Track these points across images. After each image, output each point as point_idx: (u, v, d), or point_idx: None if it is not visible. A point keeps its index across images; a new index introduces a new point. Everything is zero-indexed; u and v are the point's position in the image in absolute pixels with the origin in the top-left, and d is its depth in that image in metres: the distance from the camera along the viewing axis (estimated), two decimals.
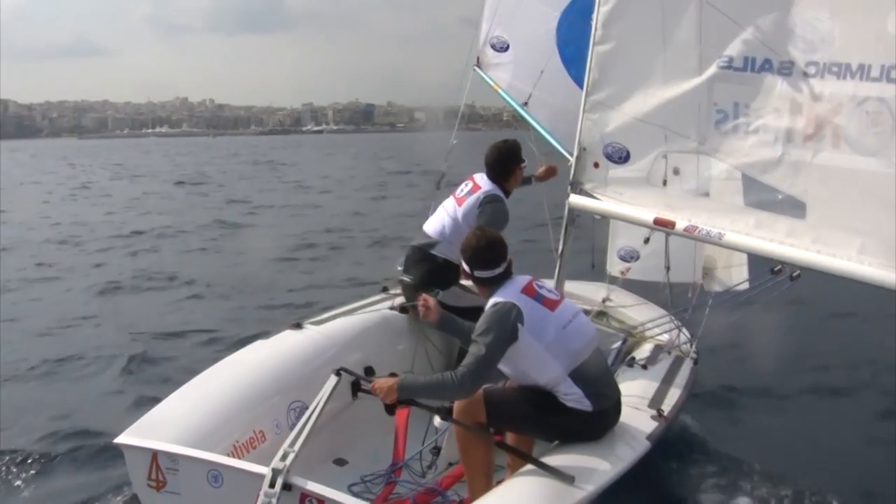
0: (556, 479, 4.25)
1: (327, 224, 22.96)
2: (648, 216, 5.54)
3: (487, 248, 4.78)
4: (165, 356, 9.99)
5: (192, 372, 5.64)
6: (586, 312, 6.75)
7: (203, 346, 10.41)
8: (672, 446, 6.01)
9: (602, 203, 5.85)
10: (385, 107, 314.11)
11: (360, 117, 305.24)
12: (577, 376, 4.61)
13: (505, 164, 6.50)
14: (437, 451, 5.19)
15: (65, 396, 8.58)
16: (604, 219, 6.07)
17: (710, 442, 6.54)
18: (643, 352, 6.16)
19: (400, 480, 5.25)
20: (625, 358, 6.06)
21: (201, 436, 4.76)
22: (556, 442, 4.78)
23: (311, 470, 5.22)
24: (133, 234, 21.44)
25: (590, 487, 4.25)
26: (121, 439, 4.63)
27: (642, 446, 4.77)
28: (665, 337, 6.35)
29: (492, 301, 4.69)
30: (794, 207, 4.82)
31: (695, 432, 6.62)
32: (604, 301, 7.24)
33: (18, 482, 6.46)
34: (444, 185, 7.26)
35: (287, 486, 4.17)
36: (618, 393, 4.87)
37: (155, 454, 4.48)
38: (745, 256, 6.53)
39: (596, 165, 5.84)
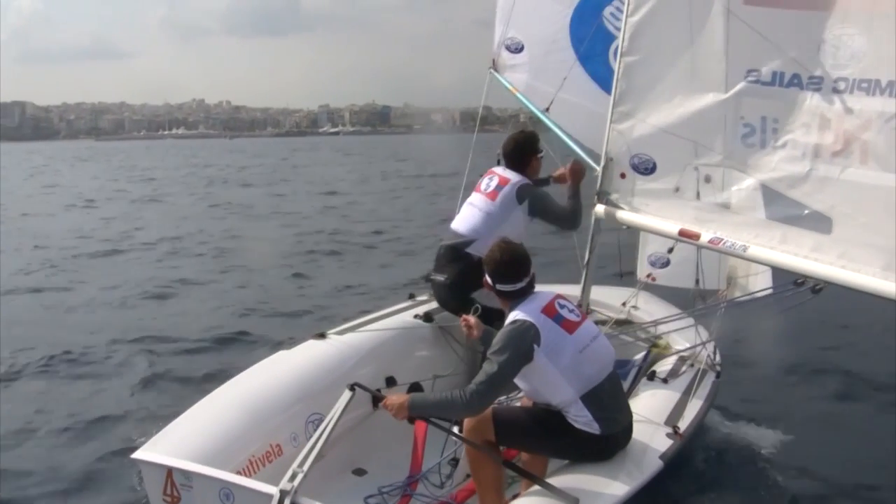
0: (563, 501, 4.28)
1: None
2: (673, 228, 5.56)
3: (511, 262, 4.79)
4: None
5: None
6: (609, 322, 6.79)
7: None
8: (688, 464, 6.00)
9: (628, 214, 5.88)
10: (401, 108, 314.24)
11: (377, 119, 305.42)
12: (589, 400, 4.62)
13: (522, 154, 6.52)
14: (455, 462, 5.18)
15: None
16: (630, 228, 6.05)
17: (730, 460, 6.48)
18: (666, 364, 6.12)
19: (416, 493, 5.26)
20: (647, 370, 6.02)
21: (217, 451, 4.84)
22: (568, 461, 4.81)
23: (329, 480, 5.29)
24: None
25: None
26: (138, 454, 4.73)
27: (655, 466, 4.75)
28: (687, 345, 6.31)
29: (511, 317, 4.70)
30: (820, 222, 4.81)
31: (713, 449, 6.56)
32: (630, 307, 7.19)
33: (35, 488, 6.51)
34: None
35: None
36: (629, 417, 4.86)
37: (170, 470, 4.56)
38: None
39: (623, 176, 5.87)
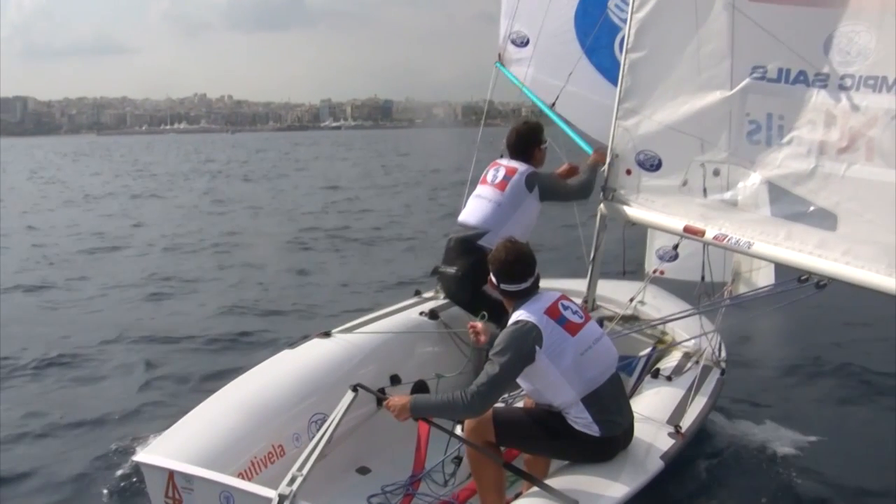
0: (563, 501, 4.27)
1: None
2: (678, 224, 5.57)
3: (515, 262, 4.76)
4: None
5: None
6: (615, 318, 6.77)
7: None
8: (689, 463, 5.99)
9: (633, 210, 5.89)
10: (403, 103, 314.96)
11: (379, 113, 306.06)
12: (590, 402, 4.60)
13: (526, 145, 6.48)
14: (458, 461, 5.18)
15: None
16: (636, 224, 6.03)
17: (732, 459, 6.45)
18: (670, 360, 6.09)
19: (418, 493, 5.27)
20: (652, 367, 6.00)
21: (218, 453, 4.85)
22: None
23: (332, 479, 5.30)
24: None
25: None
26: (140, 457, 4.76)
27: (656, 466, 4.73)
28: (693, 343, 6.27)
29: (514, 317, 4.69)
30: (825, 219, 4.81)
31: (716, 449, 6.53)
32: (637, 303, 7.14)
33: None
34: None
35: None
36: (630, 418, 4.85)
37: (171, 473, 4.57)
38: None
39: (628, 172, 5.88)
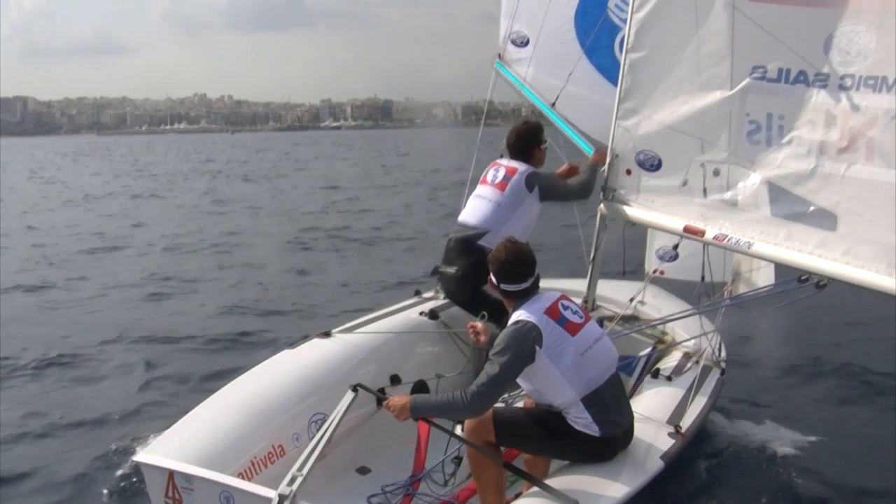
0: (562, 502, 4.27)
1: None
2: (678, 224, 5.58)
3: (515, 262, 4.75)
4: None
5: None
6: (615, 318, 6.77)
7: None
8: (690, 463, 5.99)
9: (633, 210, 5.90)
10: (403, 103, 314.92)
11: (379, 113, 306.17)
12: (590, 402, 4.60)
13: (526, 145, 6.47)
14: (458, 460, 5.18)
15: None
16: (636, 225, 6.04)
17: (732, 460, 6.44)
18: (670, 360, 6.09)
19: (418, 493, 5.28)
20: (652, 367, 6.00)
21: (218, 453, 4.85)
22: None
23: (332, 479, 5.30)
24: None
25: None
26: (140, 457, 4.76)
27: (656, 466, 4.73)
28: (693, 343, 6.27)
29: (514, 317, 4.69)
30: (825, 219, 4.82)
31: (716, 449, 6.52)
32: (636, 302, 7.12)
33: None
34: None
35: None
36: (630, 418, 4.85)
37: (171, 473, 4.57)
38: None
39: (628, 172, 5.89)
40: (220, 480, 4.43)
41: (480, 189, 6.42)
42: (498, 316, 5.32)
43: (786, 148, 4.96)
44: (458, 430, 4.94)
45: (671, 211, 5.66)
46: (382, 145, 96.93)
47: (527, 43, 7.74)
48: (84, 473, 6.57)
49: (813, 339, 9.42)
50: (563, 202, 6.72)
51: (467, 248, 6.20)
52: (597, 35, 7.14)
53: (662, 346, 6.35)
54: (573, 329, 4.64)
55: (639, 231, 6.68)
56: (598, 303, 6.94)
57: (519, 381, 4.69)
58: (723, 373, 5.97)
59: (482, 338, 5.21)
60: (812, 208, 4.88)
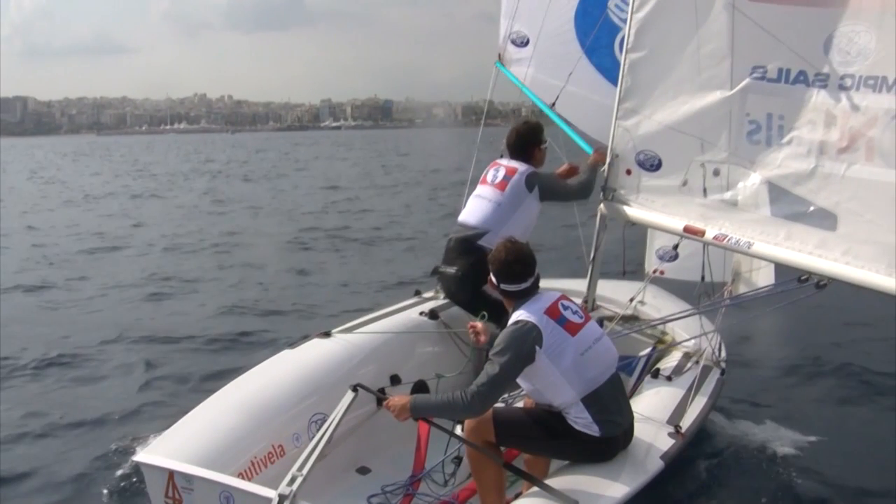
0: (562, 502, 4.27)
1: None
2: (678, 224, 5.58)
3: (516, 262, 4.75)
4: None
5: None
6: (615, 318, 6.76)
7: None
8: (690, 463, 5.98)
9: (633, 210, 5.90)
10: (403, 103, 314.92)
11: (379, 113, 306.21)
12: (590, 402, 4.60)
13: (525, 145, 6.47)
14: (458, 460, 5.18)
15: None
16: (636, 225, 6.04)
17: (732, 460, 6.43)
18: (670, 360, 6.09)
19: (418, 493, 5.28)
20: (652, 367, 5.99)
21: (219, 453, 4.85)
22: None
23: (332, 479, 5.31)
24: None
25: None
26: (140, 457, 4.76)
27: (656, 466, 4.73)
28: (693, 343, 6.26)
29: (514, 317, 4.69)
30: (825, 219, 4.82)
31: (716, 449, 6.51)
32: (636, 302, 7.11)
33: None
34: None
35: None
36: (630, 418, 4.85)
37: (171, 473, 4.57)
38: None
39: (628, 172, 5.89)
40: (220, 480, 4.43)
41: (480, 189, 6.42)
42: (498, 316, 5.31)
43: (786, 148, 4.96)
44: (458, 430, 4.94)
45: (671, 211, 5.66)
46: (382, 145, 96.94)
47: (527, 43, 7.74)
48: (84, 473, 6.56)
49: (813, 339, 9.42)
50: (563, 202, 6.71)
51: (467, 248, 6.20)
52: (597, 35, 7.15)
53: (662, 346, 6.35)
54: (573, 329, 4.64)
55: (639, 231, 6.67)
56: (599, 303, 6.94)
57: (519, 381, 4.69)
58: (723, 373, 5.97)
59: (482, 338, 5.21)
60: (812, 208, 4.87)
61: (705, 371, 5.86)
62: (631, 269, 7.19)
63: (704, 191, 5.44)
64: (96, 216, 26.35)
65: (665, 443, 4.93)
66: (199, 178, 45.16)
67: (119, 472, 6.31)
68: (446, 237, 6.53)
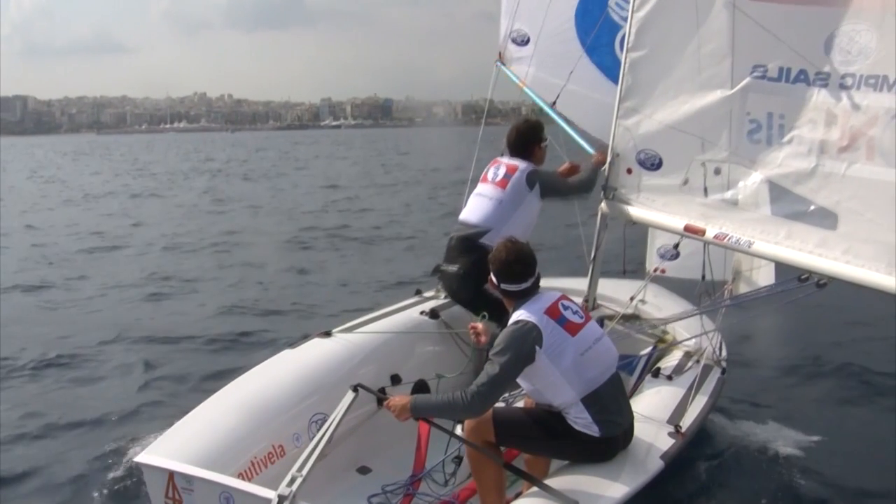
0: (562, 502, 4.27)
1: None
2: (679, 223, 5.58)
3: (516, 262, 4.75)
4: None
5: None
6: (616, 317, 6.75)
7: None
8: (690, 463, 5.97)
9: (634, 209, 5.90)
10: (403, 101, 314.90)
11: (379, 112, 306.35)
12: (590, 402, 4.60)
13: (526, 143, 6.46)
14: (458, 459, 5.18)
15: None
16: (636, 224, 6.03)
17: (732, 460, 6.42)
18: (671, 360, 6.08)
19: (418, 493, 5.28)
20: (653, 366, 5.99)
21: (219, 453, 4.86)
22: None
23: (333, 479, 5.31)
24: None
25: None
26: (140, 458, 4.74)
27: (655, 466, 4.73)
28: (693, 342, 6.25)
29: (514, 317, 4.69)
30: (825, 218, 4.81)
31: (716, 449, 6.51)
32: (638, 302, 7.08)
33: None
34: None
35: None
36: (630, 418, 4.85)
37: (171, 474, 4.57)
38: None
39: (629, 171, 5.89)
40: (220, 481, 4.43)
41: (481, 187, 6.41)
42: (499, 315, 5.30)
43: (786, 147, 4.96)
44: (459, 430, 4.94)
45: (672, 210, 5.65)
46: (382, 144, 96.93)
47: (527, 42, 7.73)
48: (83, 474, 6.54)
49: (813, 339, 9.42)
50: (564, 199, 6.72)
51: (469, 246, 6.18)
52: (597, 34, 7.14)
53: (663, 345, 6.35)
54: (573, 329, 4.64)
55: (640, 230, 6.66)
56: (599, 302, 6.92)
57: (519, 381, 4.69)
58: (723, 372, 5.96)
59: (482, 338, 5.21)
60: (812, 207, 4.87)
61: (706, 370, 5.86)
62: (632, 268, 7.20)
63: (705, 190, 5.43)
64: (96, 215, 26.35)
65: (665, 442, 4.92)
66: (198, 177, 45.16)
67: (118, 473, 6.30)
68: (447, 236, 6.51)
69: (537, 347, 4.52)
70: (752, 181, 5.16)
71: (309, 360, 5.93)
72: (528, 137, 6.49)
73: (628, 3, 5.77)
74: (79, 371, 9.47)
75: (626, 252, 6.92)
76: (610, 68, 6.86)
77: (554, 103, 7.43)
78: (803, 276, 5.35)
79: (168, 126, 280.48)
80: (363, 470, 5.83)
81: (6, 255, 18.11)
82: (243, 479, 4.81)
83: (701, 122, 5.36)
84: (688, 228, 5.52)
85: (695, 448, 5.86)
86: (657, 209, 5.77)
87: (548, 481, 4.48)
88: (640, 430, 4.91)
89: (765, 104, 5.05)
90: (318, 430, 4.95)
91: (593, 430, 4.59)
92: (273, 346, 9.04)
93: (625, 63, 5.74)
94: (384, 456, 5.83)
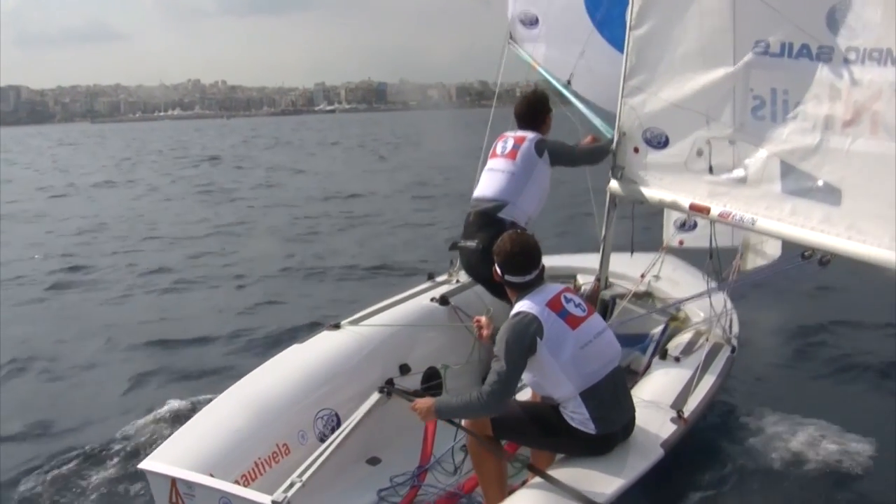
0: (563, 490, 4.33)
1: None
2: (685, 202, 5.59)
3: (521, 254, 4.79)
4: None
5: None
6: (628, 295, 6.69)
7: None
8: (692, 450, 5.85)
9: (642, 188, 5.91)
10: (397, 85, 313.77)
11: (373, 96, 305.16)
12: (588, 397, 4.62)
13: (536, 112, 6.48)
14: (466, 448, 5.22)
15: None
16: (644, 203, 6.03)
17: (735, 445, 6.40)
18: (681, 340, 6.07)
19: (424, 484, 5.35)
20: (665, 345, 5.99)
21: (221, 456, 4.92)
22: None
23: (343, 470, 5.36)
24: None
25: (599, 500, 4.31)
26: (144, 465, 4.79)
27: (655, 455, 4.76)
28: (705, 320, 6.23)
29: (516, 308, 4.73)
30: (829, 194, 4.80)
31: (720, 435, 6.50)
32: (651, 277, 7.06)
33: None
34: None
35: None
36: (630, 414, 4.87)
37: (174, 480, 4.63)
38: None
39: (636, 150, 5.90)
40: (219, 487, 4.50)
41: (492, 162, 6.39)
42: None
43: (791, 123, 4.94)
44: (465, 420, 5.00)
45: (678, 188, 5.67)
46: (377, 128, 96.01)
47: (536, 22, 7.70)
48: (82, 474, 6.49)
49: (821, 325, 9.38)
50: (572, 166, 6.58)
51: (487, 221, 6.17)
52: (607, 7, 7.08)
53: (676, 322, 6.36)
54: (574, 322, 4.67)
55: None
56: (612, 280, 6.89)
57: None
58: (733, 350, 5.94)
59: (485, 332, 5.26)
60: (817, 183, 4.85)
61: (715, 350, 5.85)
62: (641, 248, 7.14)
63: (710, 168, 5.44)
64: (92, 208, 25.99)
65: (667, 429, 4.95)
66: (192, 167, 44.11)
67: (121, 476, 6.32)
68: (465, 213, 6.48)
69: (538, 339, 4.56)
70: (757, 158, 5.15)
71: (317, 354, 5.95)
72: (538, 107, 6.51)
73: None
74: (73, 371, 9.47)
75: (643, 228, 6.86)
76: (621, 42, 6.84)
77: (569, 81, 7.43)
78: (807, 254, 5.38)
79: (162, 114, 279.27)
80: (373, 461, 5.85)
81: (5, 250, 17.97)
82: (247, 480, 4.91)
83: (705, 100, 5.35)
84: (693, 207, 5.54)
85: (700, 433, 5.83)
86: (665, 187, 5.77)
87: (547, 469, 4.56)
88: (642, 416, 4.93)
89: (768, 80, 5.02)
90: (324, 425, 5.09)
91: (589, 428, 4.62)
92: (279, 342, 8.76)
93: (628, 41, 5.74)
94: (394, 447, 5.85)
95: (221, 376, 7.76)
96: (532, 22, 7.71)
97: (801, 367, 8.48)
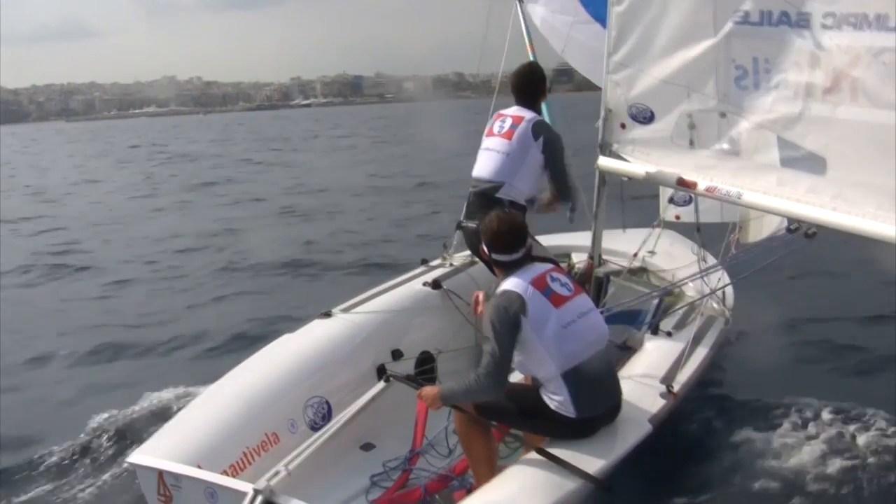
0: (554, 464, 4.41)
1: None
2: (672, 177, 5.59)
3: (508, 233, 4.84)
4: None
5: None
6: (622, 272, 6.73)
7: None
8: (683, 425, 5.95)
9: (630, 165, 5.91)
10: (373, 78, 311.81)
11: (349, 89, 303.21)
12: (570, 378, 4.65)
13: (535, 81, 6.47)
14: None
15: None
16: (632, 179, 6.02)
17: (726, 423, 6.32)
18: (675, 314, 6.12)
19: (416, 468, 5.40)
20: (660, 320, 6.02)
21: (210, 447, 4.94)
22: None
23: (337, 457, 5.38)
24: None
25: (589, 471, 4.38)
26: (132, 458, 4.84)
27: (643, 430, 4.81)
28: (698, 290, 6.27)
29: (501, 287, 4.78)
30: (814, 163, 4.80)
31: (711, 409, 6.45)
32: (646, 253, 7.08)
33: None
34: None
35: None
36: (615, 399, 4.88)
37: (161, 472, 4.68)
38: None
39: (623, 126, 5.90)
40: (204, 478, 4.54)
41: (487, 142, 6.37)
42: None
43: (773, 92, 4.93)
44: None
45: (666, 163, 5.67)
46: (353, 121, 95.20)
47: None
48: (79, 475, 6.49)
49: (816, 306, 9.38)
50: (553, 172, 6.40)
51: (486, 201, 6.18)
52: None
53: (670, 299, 6.38)
54: (558, 301, 4.71)
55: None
56: (606, 257, 6.88)
57: None
58: (727, 322, 5.99)
59: (480, 308, 5.32)
60: (802, 153, 4.87)
61: (708, 322, 5.91)
62: (643, 224, 7.14)
63: (696, 141, 5.46)
64: (78, 207, 25.90)
65: (655, 404, 5.01)
66: (170, 165, 43.52)
67: (112, 472, 6.35)
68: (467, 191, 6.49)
69: (522, 316, 4.59)
70: (742, 129, 5.16)
71: (307, 343, 5.97)
72: (534, 76, 6.51)
73: None
74: (66, 370, 9.50)
75: (638, 203, 6.85)
76: (605, 17, 6.89)
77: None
78: (792, 227, 5.41)
79: (138, 111, 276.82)
80: (367, 447, 5.88)
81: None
82: (235, 471, 4.93)
83: (688, 73, 5.35)
84: (680, 182, 5.53)
85: (691, 407, 5.89)
86: (652, 162, 5.77)
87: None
88: (631, 391, 4.97)
89: (749, 49, 5.00)
90: (314, 413, 5.17)
91: (569, 411, 4.66)
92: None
93: (610, 17, 5.73)
94: (388, 432, 5.87)
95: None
96: None
97: (797, 350, 8.39)
